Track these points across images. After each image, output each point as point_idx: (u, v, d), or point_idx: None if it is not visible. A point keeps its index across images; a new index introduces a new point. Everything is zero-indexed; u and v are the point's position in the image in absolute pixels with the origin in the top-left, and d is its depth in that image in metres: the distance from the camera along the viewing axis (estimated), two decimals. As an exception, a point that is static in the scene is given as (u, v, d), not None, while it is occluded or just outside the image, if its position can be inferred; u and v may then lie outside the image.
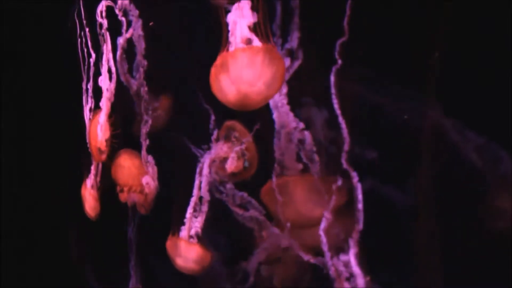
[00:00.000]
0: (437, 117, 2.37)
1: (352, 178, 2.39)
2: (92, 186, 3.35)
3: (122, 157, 3.15)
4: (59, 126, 3.65)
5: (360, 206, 2.39)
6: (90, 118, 3.11)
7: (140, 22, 3.04)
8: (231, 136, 2.83)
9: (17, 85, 3.83)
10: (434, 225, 2.44)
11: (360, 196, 2.39)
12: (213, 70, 2.41)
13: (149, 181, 3.11)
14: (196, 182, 2.94)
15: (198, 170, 2.94)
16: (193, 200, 2.94)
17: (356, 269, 2.40)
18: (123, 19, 3.00)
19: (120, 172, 3.14)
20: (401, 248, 2.49)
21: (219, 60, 2.38)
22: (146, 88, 3.13)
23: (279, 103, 2.54)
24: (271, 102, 2.57)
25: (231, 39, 2.36)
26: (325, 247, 2.47)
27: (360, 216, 2.40)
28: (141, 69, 3.09)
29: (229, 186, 2.90)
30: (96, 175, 3.35)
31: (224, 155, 2.82)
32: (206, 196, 2.92)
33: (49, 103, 3.70)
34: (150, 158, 3.11)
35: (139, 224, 3.45)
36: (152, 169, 3.10)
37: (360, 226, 2.40)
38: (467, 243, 2.36)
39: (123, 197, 3.15)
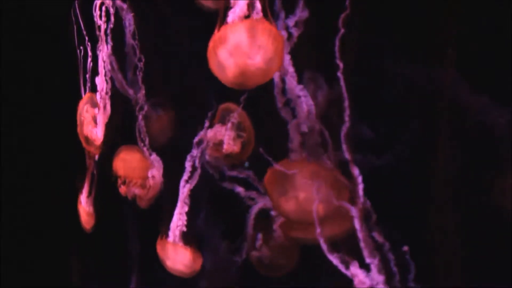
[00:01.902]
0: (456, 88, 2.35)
1: (358, 184, 2.34)
2: (86, 203, 3.40)
3: (123, 151, 3.18)
4: (58, 127, 3.65)
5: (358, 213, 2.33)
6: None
7: (132, 27, 3.04)
8: (226, 118, 2.85)
9: (17, 86, 3.82)
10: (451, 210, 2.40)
11: (361, 199, 2.33)
12: (211, 44, 2.35)
13: (155, 175, 3.14)
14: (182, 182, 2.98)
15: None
16: (180, 200, 2.97)
17: (376, 276, 2.33)
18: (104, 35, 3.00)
19: (121, 165, 3.16)
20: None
21: (217, 33, 2.33)
22: (143, 92, 3.15)
23: (288, 79, 2.49)
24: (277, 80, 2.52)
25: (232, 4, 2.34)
26: (332, 258, 2.40)
27: (361, 222, 2.33)
28: (137, 73, 3.09)
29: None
30: (90, 186, 3.38)
31: (221, 137, 2.84)
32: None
33: (48, 104, 3.73)
34: (153, 155, 3.15)
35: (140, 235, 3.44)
36: (158, 163, 3.14)
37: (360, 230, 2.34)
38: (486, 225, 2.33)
39: (123, 190, 3.16)
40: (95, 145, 3.13)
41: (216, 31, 2.35)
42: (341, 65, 2.28)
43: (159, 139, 3.19)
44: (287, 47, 2.41)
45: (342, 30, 2.25)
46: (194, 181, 2.96)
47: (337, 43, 2.26)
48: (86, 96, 3.12)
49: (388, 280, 2.33)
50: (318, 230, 2.36)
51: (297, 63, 2.45)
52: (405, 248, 2.32)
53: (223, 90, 2.58)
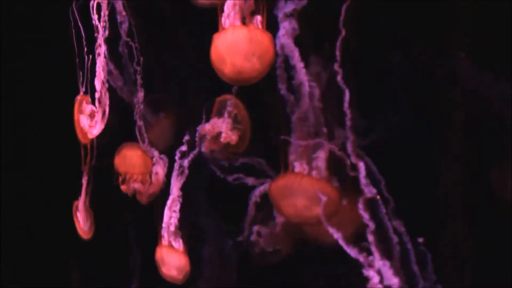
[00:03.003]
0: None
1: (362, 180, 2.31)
2: (83, 208, 3.39)
3: (125, 148, 3.21)
4: (57, 129, 3.64)
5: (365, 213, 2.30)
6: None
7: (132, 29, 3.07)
8: (224, 110, 2.89)
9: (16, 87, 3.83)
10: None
11: (367, 192, 2.29)
12: (214, 39, 2.48)
13: (159, 171, 3.15)
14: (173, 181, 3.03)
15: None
16: (171, 198, 3.01)
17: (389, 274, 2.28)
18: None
19: (122, 162, 3.19)
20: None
21: (221, 31, 2.47)
22: (142, 94, 3.15)
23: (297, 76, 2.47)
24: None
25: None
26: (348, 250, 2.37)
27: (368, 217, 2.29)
28: (137, 76, 3.08)
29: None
30: (87, 193, 3.38)
31: (218, 129, 2.88)
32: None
33: (47, 108, 3.74)
34: (156, 153, 3.17)
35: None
36: (164, 161, 3.15)
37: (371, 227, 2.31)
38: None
39: (124, 187, 3.18)
40: (89, 138, 3.13)
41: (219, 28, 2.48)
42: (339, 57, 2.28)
43: (160, 141, 3.18)
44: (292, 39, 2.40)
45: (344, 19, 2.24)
46: (183, 178, 3.00)
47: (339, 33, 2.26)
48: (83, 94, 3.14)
49: (405, 279, 2.30)
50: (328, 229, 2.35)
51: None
52: (420, 239, 2.29)
53: (220, 84, 2.66)
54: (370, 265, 2.28)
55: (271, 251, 2.87)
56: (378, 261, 2.27)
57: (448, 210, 2.46)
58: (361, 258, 2.29)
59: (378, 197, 2.31)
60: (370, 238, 2.29)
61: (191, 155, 2.96)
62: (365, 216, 2.28)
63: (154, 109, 3.23)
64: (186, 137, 2.97)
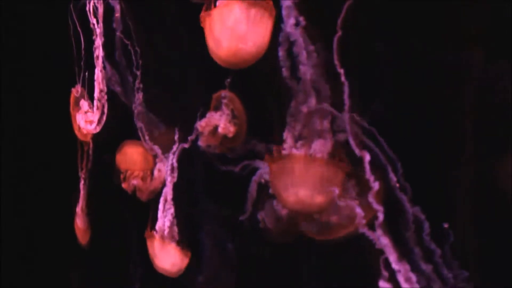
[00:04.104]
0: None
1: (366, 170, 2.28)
2: (82, 208, 3.47)
3: (126, 145, 3.27)
4: (57, 129, 3.65)
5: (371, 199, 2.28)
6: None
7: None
8: (221, 105, 2.92)
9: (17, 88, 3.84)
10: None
11: (375, 186, 2.26)
12: (207, 20, 2.50)
13: (162, 169, 3.19)
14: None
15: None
16: (164, 194, 3.03)
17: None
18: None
19: (123, 159, 3.25)
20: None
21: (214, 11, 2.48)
22: (141, 96, 3.14)
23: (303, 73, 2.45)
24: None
25: None
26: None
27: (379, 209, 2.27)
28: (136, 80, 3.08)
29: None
30: (86, 194, 3.44)
31: (215, 122, 2.90)
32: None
33: (46, 112, 3.76)
34: (158, 151, 3.19)
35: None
36: (167, 159, 3.18)
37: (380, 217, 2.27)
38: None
39: (125, 185, 3.25)
40: (88, 137, 3.16)
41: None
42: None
43: (162, 144, 3.18)
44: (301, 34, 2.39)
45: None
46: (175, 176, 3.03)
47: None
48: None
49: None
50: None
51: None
52: (445, 224, 2.26)
53: (217, 82, 2.73)
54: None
55: (276, 230, 2.85)
56: (395, 263, 2.24)
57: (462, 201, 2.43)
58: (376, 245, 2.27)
59: (398, 185, 2.29)
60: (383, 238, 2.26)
61: (178, 151, 2.97)
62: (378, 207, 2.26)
63: (152, 110, 3.24)
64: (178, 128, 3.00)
